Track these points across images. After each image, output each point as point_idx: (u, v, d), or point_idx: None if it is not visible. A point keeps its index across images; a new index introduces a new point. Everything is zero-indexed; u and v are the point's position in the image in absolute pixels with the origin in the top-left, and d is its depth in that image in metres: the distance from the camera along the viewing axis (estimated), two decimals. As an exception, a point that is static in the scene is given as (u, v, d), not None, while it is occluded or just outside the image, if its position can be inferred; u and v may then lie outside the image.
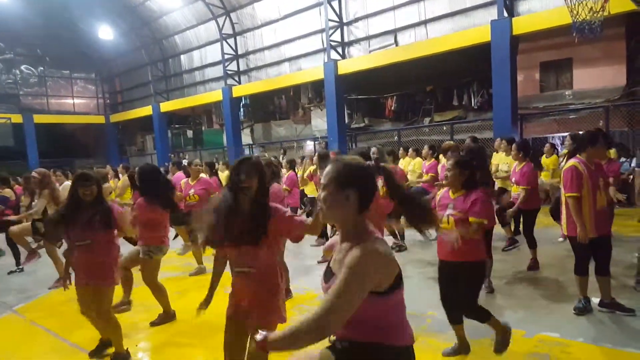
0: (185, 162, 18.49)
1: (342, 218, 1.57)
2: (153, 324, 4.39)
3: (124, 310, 4.67)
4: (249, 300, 2.43)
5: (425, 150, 7.99)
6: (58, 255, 5.77)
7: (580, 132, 5.88)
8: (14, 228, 6.28)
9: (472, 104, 15.19)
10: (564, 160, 6.50)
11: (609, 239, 3.97)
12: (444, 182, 3.44)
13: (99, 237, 3.38)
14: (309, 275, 5.76)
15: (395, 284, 1.53)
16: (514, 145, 5.73)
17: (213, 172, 7.70)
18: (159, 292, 4.41)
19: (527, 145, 5.71)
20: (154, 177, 4.39)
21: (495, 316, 3.19)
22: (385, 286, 1.50)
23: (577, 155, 3.93)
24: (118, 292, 4.12)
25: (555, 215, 6.27)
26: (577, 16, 6.08)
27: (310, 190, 8.45)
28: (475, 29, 11.17)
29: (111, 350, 3.62)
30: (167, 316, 4.44)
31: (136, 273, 4.57)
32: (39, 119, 22.53)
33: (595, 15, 5.93)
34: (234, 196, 2.41)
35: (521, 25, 10.30)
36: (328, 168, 1.60)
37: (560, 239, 6.38)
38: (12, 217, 6.66)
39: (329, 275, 1.63)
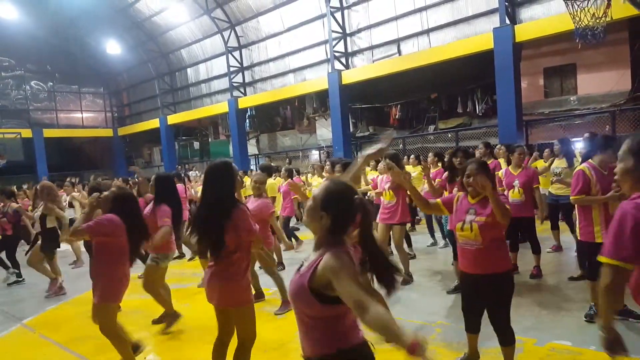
0: (192, 173, 18.64)
1: (315, 231, 1.79)
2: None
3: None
4: None
5: (430, 157, 7.94)
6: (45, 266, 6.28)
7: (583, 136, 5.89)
8: (30, 258, 6.40)
9: (477, 111, 15.18)
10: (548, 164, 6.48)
11: None
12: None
13: None
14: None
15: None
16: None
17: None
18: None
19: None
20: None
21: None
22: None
23: (589, 160, 3.87)
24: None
25: (554, 224, 6.25)
26: (580, 22, 6.09)
27: None
28: (478, 37, 11.20)
29: None
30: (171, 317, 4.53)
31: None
32: (48, 133, 22.84)
33: (597, 21, 5.94)
34: None
35: (523, 32, 10.31)
36: (322, 185, 1.80)
37: (549, 250, 6.28)
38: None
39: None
